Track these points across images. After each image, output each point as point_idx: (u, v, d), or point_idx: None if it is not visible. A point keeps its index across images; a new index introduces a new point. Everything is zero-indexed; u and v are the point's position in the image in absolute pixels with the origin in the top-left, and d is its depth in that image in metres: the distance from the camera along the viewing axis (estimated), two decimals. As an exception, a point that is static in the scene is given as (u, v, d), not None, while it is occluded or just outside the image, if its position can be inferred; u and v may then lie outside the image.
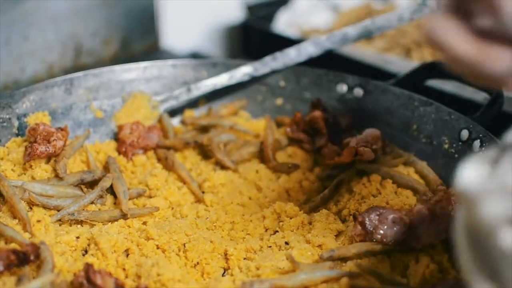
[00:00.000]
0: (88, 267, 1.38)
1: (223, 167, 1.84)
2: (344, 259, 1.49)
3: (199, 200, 1.75)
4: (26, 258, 1.39)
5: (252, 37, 2.69)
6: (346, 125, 1.89)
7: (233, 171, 1.82)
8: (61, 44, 2.37)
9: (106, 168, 1.78)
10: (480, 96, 2.08)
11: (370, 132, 1.80)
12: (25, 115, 1.82)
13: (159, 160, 1.86)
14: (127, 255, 1.53)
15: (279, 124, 2.00)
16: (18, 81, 2.27)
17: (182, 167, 1.80)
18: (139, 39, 2.58)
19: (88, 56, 2.45)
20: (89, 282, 1.37)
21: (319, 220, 1.62)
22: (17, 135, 1.81)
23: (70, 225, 1.59)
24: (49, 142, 1.69)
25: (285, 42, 2.10)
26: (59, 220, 1.59)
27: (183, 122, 1.98)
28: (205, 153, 1.89)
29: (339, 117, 1.89)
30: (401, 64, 2.30)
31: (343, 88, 1.96)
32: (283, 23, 2.67)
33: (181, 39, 2.70)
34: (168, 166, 1.82)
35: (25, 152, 1.68)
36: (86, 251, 1.54)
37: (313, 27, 2.75)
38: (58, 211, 1.60)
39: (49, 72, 2.35)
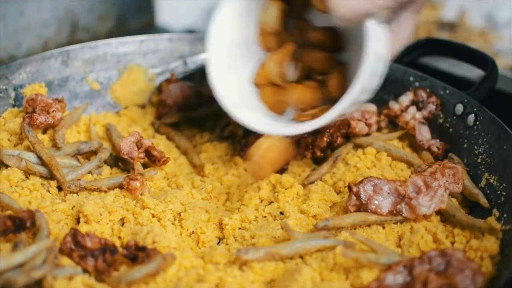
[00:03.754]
0: (74, 232, 1.39)
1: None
2: (338, 229, 1.50)
3: (199, 169, 1.76)
4: (22, 225, 1.39)
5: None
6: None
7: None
8: (57, 20, 2.37)
9: (103, 139, 1.79)
10: (474, 74, 2.09)
11: (365, 106, 1.80)
12: (21, 86, 1.83)
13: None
14: (123, 224, 1.54)
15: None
16: (14, 56, 2.26)
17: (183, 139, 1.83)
18: (134, 16, 2.58)
19: (83, 32, 2.45)
20: (77, 245, 1.38)
21: (315, 191, 1.63)
22: (14, 105, 1.81)
23: (66, 194, 1.59)
24: (48, 113, 1.69)
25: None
26: (56, 188, 1.61)
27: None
28: (200, 126, 1.91)
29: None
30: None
31: (338, 63, 1.97)
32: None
33: (176, 17, 2.70)
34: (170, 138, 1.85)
35: (23, 121, 1.68)
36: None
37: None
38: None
39: (45, 47, 2.35)
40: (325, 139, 1.72)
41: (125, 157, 1.67)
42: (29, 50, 2.30)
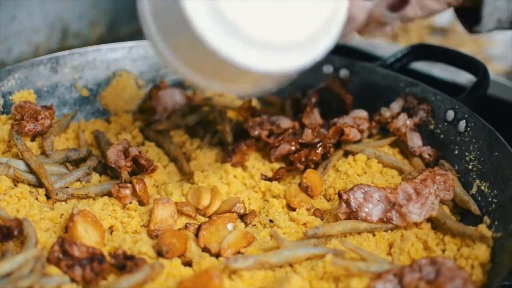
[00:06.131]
0: (62, 241, 1.38)
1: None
2: (328, 237, 1.49)
3: (188, 176, 1.75)
4: (9, 233, 1.38)
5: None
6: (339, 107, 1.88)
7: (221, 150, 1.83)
8: (47, 26, 2.35)
9: (92, 146, 1.78)
10: (465, 79, 2.09)
11: (357, 113, 1.80)
12: (10, 93, 1.82)
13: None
14: (111, 232, 1.53)
15: (266, 103, 2.00)
16: (4, 62, 2.25)
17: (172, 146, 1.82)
18: (126, 22, 2.57)
19: (74, 38, 2.44)
20: (65, 254, 1.37)
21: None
22: (2, 113, 1.80)
23: (55, 202, 1.58)
24: (36, 120, 1.69)
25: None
26: (45, 196, 1.60)
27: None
28: (190, 133, 1.90)
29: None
30: (388, 49, 2.30)
31: (329, 69, 1.96)
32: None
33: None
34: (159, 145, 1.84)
35: (11, 128, 1.68)
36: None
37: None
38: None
39: (35, 53, 2.33)
40: (319, 152, 1.71)
41: (112, 165, 1.66)
42: (20, 56, 2.29)
